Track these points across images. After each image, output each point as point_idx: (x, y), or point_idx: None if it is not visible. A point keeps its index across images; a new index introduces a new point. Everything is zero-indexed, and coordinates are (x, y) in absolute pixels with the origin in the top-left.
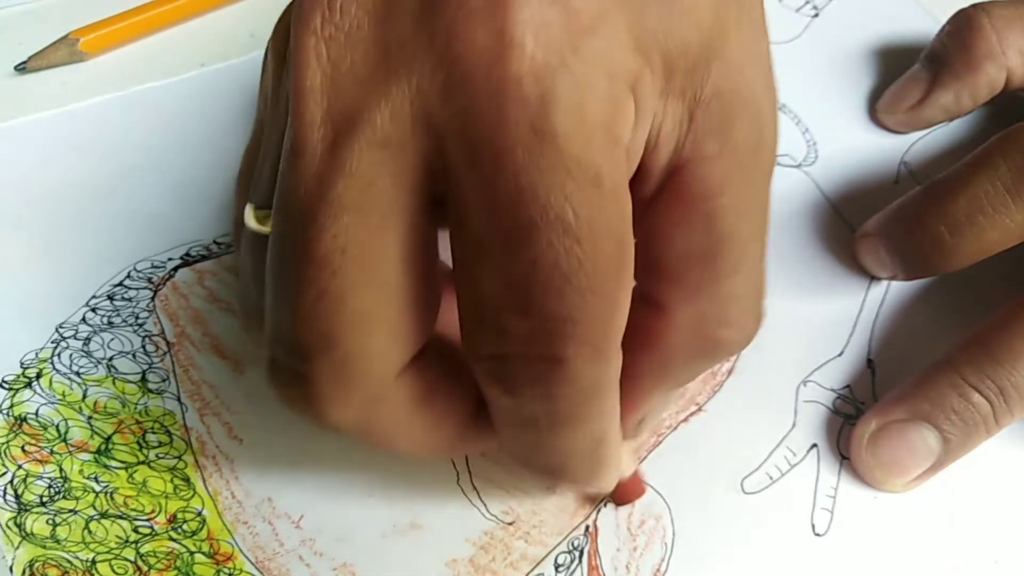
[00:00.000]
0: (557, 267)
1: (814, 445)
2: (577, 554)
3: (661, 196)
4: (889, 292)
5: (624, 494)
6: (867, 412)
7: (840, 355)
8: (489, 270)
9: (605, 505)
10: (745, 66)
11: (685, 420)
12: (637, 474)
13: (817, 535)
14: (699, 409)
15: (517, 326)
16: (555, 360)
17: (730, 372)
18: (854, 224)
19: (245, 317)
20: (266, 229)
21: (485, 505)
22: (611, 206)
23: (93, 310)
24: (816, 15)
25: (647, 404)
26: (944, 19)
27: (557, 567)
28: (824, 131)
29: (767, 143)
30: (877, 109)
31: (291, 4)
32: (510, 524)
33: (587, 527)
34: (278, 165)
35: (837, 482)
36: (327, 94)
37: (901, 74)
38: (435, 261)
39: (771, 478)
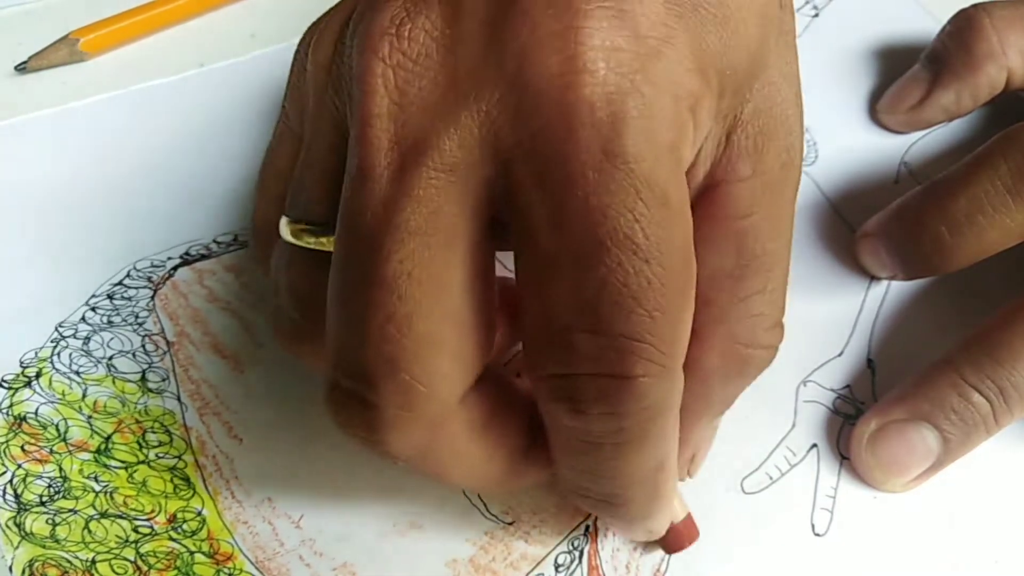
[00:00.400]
0: (627, 287)
1: (814, 445)
2: (577, 554)
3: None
4: (889, 292)
5: (677, 539)
6: (867, 412)
7: (840, 355)
8: (558, 289)
9: (662, 554)
10: (781, 86)
11: None
12: (690, 517)
13: (817, 535)
14: None
15: (586, 345)
16: (623, 378)
17: None
18: (854, 224)
19: (281, 335)
20: (304, 243)
21: (485, 505)
22: (678, 226)
23: (93, 309)
24: (816, 15)
25: (695, 434)
26: (944, 19)
27: (557, 567)
28: (824, 131)
29: (795, 162)
30: (877, 109)
31: (334, 11)
32: (510, 524)
33: (587, 527)
34: (322, 180)
35: (837, 482)
36: (394, 120)
37: (901, 74)
38: (493, 285)
39: (771, 478)
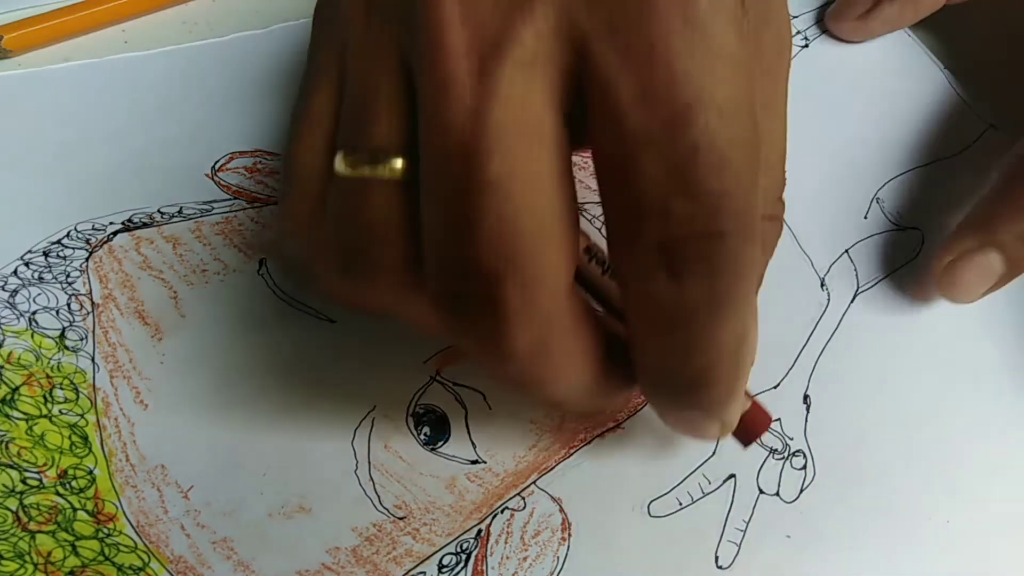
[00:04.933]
0: (714, 147)
1: (732, 476)
2: (464, 557)
3: None
4: (839, 329)
5: (753, 426)
6: (941, 246)
7: (776, 387)
8: (651, 159)
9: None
10: None
11: (601, 436)
12: (756, 403)
13: (720, 568)
14: (617, 426)
15: (681, 207)
16: (718, 235)
17: None
18: (813, 256)
19: (350, 276)
20: (365, 174)
21: (379, 497)
22: (749, 85)
23: (26, 264)
24: (806, 46)
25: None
26: (938, 55)
27: (441, 568)
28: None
29: (787, 47)
30: (826, 16)
31: None
32: (401, 519)
33: (479, 531)
34: (385, 106)
35: (750, 516)
36: (467, 24)
37: (890, 107)
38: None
39: (680, 504)
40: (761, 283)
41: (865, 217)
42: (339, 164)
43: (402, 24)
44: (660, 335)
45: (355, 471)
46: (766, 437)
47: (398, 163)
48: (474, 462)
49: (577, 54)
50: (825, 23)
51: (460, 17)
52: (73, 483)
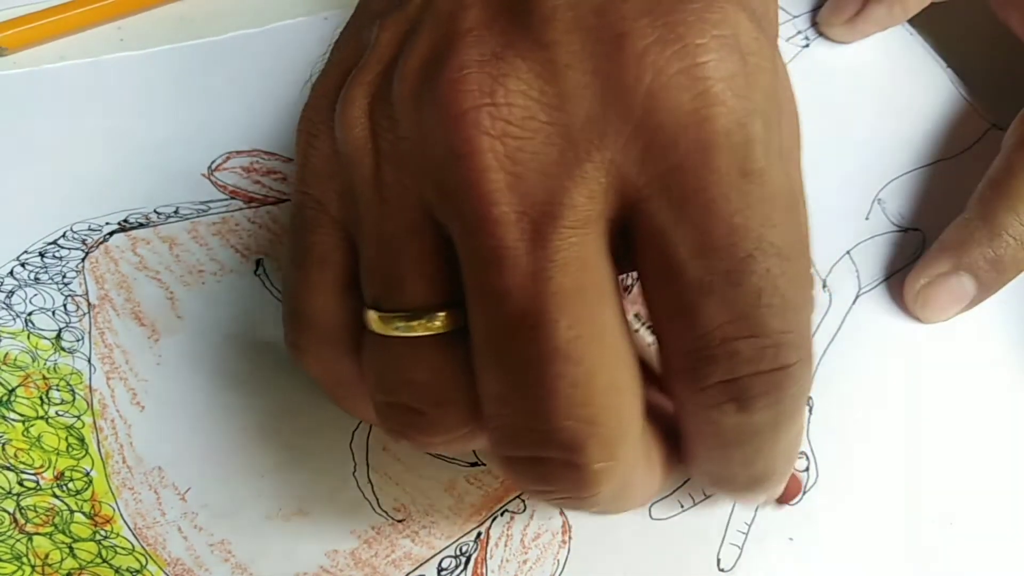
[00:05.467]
0: (777, 288)
1: None
2: (463, 560)
3: None
4: (841, 330)
5: (791, 491)
6: (914, 268)
7: None
8: (713, 307)
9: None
10: None
11: None
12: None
13: (721, 570)
14: None
15: (748, 349)
16: (784, 368)
17: None
18: (815, 259)
19: (407, 430)
20: (399, 333)
21: (377, 500)
22: (805, 221)
23: (23, 265)
24: (807, 46)
25: None
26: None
27: (440, 571)
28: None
29: (798, 125)
30: (817, 20)
31: (331, 73)
32: (400, 522)
33: (479, 533)
34: (414, 265)
35: (752, 519)
36: (515, 191)
37: (890, 106)
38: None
39: (682, 506)
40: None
41: (867, 218)
42: (374, 323)
43: (423, 177)
44: (723, 451)
45: (354, 473)
46: None
47: (440, 318)
48: (474, 464)
49: (628, 207)
50: (817, 25)
51: (507, 185)
52: (70, 485)
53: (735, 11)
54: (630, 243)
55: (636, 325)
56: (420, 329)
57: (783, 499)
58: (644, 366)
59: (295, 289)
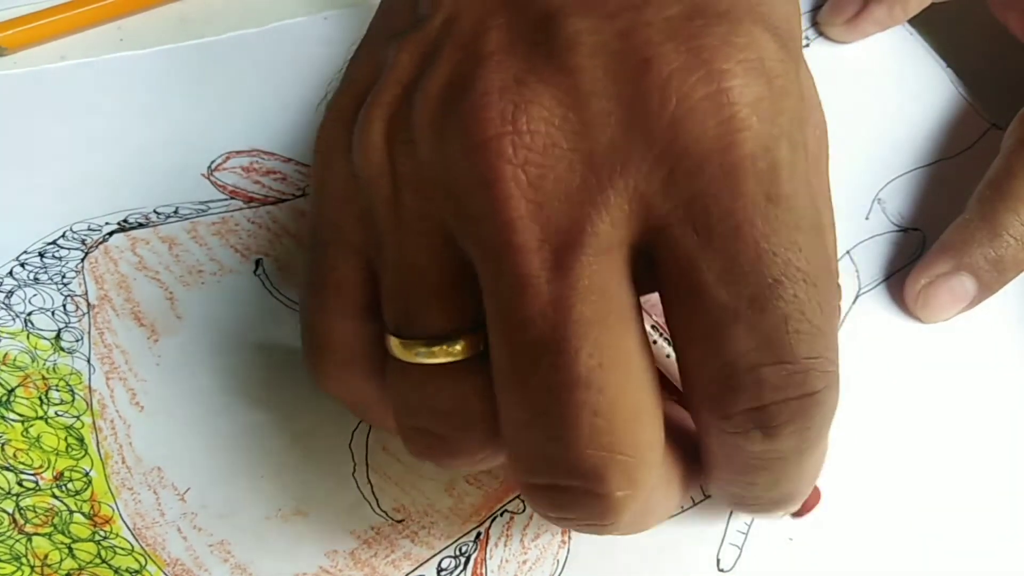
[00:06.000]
0: (804, 315)
1: None
2: (463, 560)
3: None
4: (841, 330)
5: (809, 504)
6: (915, 268)
7: None
8: (739, 334)
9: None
10: None
11: None
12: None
13: (721, 571)
14: None
15: (774, 376)
16: (811, 395)
17: None
18: None
19: (429, 453)
20: (421, 360)
21: (377, 500)
22: (832, 242)
23: (22, 265)
24: (807, 46)
25: None
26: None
27: (440, 571)
28: None
29: (825, 132)
30: (818, 20)
31: (346, 99)
32: (399, 522)
33: (479, 534)
34: (434, 292)
35: (752, 519)
36: (537, 219)
37: (890, 105)
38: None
39: (682, 507)
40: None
41: (867, 218)
42: (396, 350)
43: (442, 203)
44: (747, 476)
45: (353, 473)
46: None
47: (458, 346)
48: None
49: (651, 232)
50: (818, 25)
51: (529, 213)
52: (69, 485)
53: (760, 33)
54: (652, 266)
55: (654, 336)
56: (441, 356)
57: (800, 512)
58: (662, 379)
59: (313, 313)
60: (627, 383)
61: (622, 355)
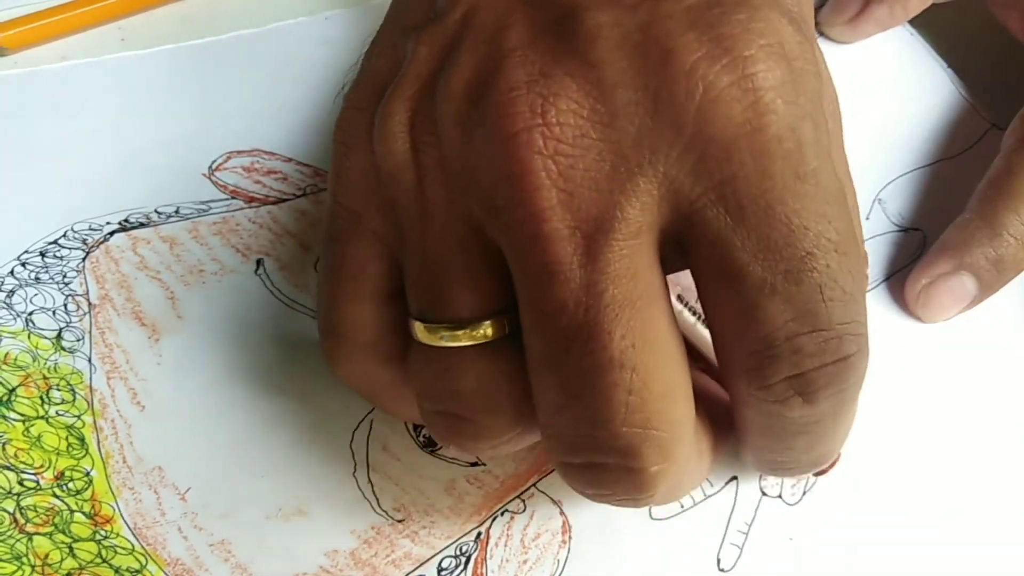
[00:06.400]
0: (836, 283)
1: (734, 477)
2: (463, 559)
3: None
4: None
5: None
6: (915, 268)
7: None
8: (776, 306)
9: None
10: None
11: None
12: None
13: (722, 570)
14: None
15: (811, 344)
16: (847, 359)
17: None
18: None
19: (457, 437)
20: (445, 343)
21: (377, 500)
22: (855, 210)
23: (23, 264)
24: None
25: None
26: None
27: (440, 570)
28: None
29: (837, 103)
30: (819, 21)
31: (367, 89)
32: (400, 522)
33: (479, 533)
34: (460, 278)
35: (752, 518)
36: (567, 208)
37: (887, 110)
38: None
39: (682, 506)
40: None
41: (867, 218)
42: (422, 335)
43: (469, 193)
44: (784, 441)
45: (353, 473)
46: None
47: (484, 329)
48: (473, 464)
49: (680, 217)
50: (818, 26)
51: (560, 202)
52: (70, 485)
53: (778, 18)
54: (679, 247)
55: (679, 307)
56: (466, 339)
57: (825, 470)
58: (688, 348)
59: (330, 301)
60: (659, 362)
61: (653, 335)
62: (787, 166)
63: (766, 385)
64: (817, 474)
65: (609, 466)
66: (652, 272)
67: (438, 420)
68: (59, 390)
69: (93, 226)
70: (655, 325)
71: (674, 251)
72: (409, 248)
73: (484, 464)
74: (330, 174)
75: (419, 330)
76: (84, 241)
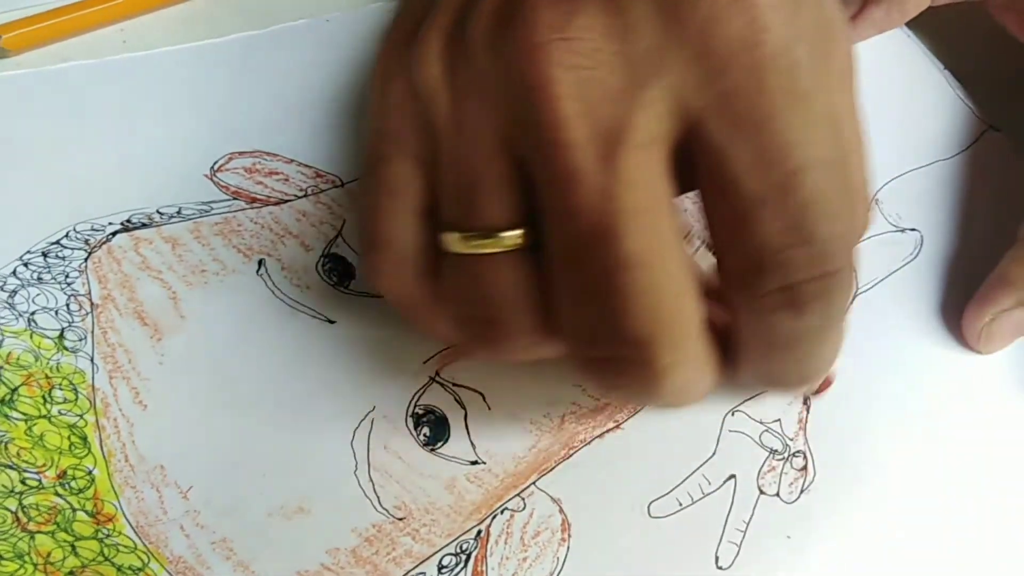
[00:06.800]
0: (826, 197)
1: (732, 476)
2: (464, 557)
3: None
4: None
5: (824, 382)
6: (974, 302)
7: None
8: (768, 219)
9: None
10: None
11: (600, 436)
12: None
13: (720, 568)
14: (617, 427)
15: (801, 256)
16: (835, 273)
17: None
18: None
19: (483, 342)
20: (478, 250)
21: (378, 498)
22: (855, 140)
23: (25, 265)
24: None
25: None
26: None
27: (441, 568)
28: None
29: (852, 60)
30: None
31: (404, 22)
32: (400, 520)
33: (479, 531)
34: (492, 188)
35: (750, 517)
36: (585, 118)
37: (884, 112)
38: None
39: (680, 504)
40: None
41: None
42: (453, 243)
43: (501, 110)
44: (775, 353)
45: (355, 472)
46: (766, 437)
47: (515, 235)
48: (474, 463)
49: (687, 129)
50: None
51: (577, 112)
52: (72, 483)
53: None
54: (690, 164)
55: (697, 243)
56: (496, 246)
57: (819, 391)
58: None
59: (372, 216)
60: (669, 263)
61: (663, 239)
62: (781, 83)
63: (757, 295)
64: (812, 395)
65: (623, 358)
66: (663, 182)
67: (468, 324)
68: (61, 389)
69: (95, 226)
70: (666, 230)
71: (685, 169)
72: (444, 163)
73: (485, 463)
74: (371, 105)
75: (453, 240)
76: (86, 241)
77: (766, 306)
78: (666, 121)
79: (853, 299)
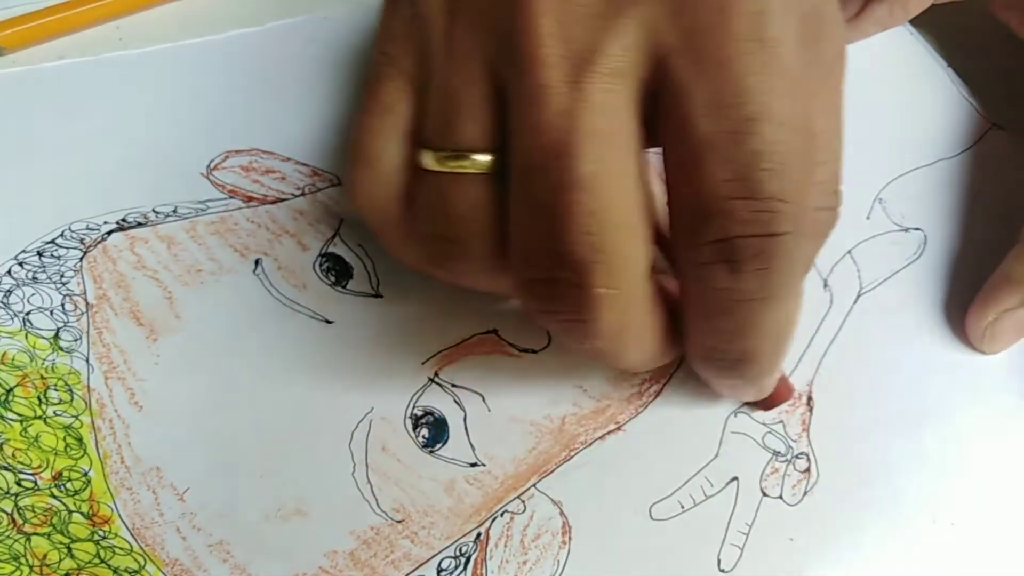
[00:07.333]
0: (775, 154)
1: (734, 478)
2: (463, 560)
3: None
4: (842, 330)
5: (779, 394)
6: (979, 302)
7: None
8: (716, 164)
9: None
10: None
11: (602, 438)
12: (784, 376)
13: (722, 571)
14: (618, 428)
15: (742, 210)
16: (775, 235)
17: (657, 394)
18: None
19: (440, 260)
20: (451, 169)
21: (376, 500)
22: (806, 98)
23: (20, 264)
24: None
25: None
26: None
27: (440, 571)
28: None
29: (841, 53)
30: None
31: None
32: (399, 522)
33: (479, 534)
34: (471, 107)
35: (753, 519)
36: (561, 37)
37: (888, 110)
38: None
39: (683, 507)
40: (809, 269)
41: (868, 218)
42: (428, 161)
43: (489, 33)
44: (713, 319)
45: (353, 473)
46: (769, 439)
47: (486, 159)
48: (473, 465)
49: (656, 66)
50: None
51: (553, 32)
52: (68, 485)
53: None
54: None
55: None
56: (467, 167)
57: (771, 402)
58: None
59: (361, 132)
60: (620, 195)
61: (619, 171)
62: (746, 27)
63: (696, 244)
64: (767, 405)
65: (560, 280)
66: (629, 115)
67: (430, 242)
68: (57, 390)
69: (91, 225)
70: (624, 163)
71: (655, 113)
72: (433, 85)
73: (484, 465)
74: (378, 32)
75: (428, 157)
76: (81, 240)
77: (702, 258)
78: (636, 53)
79: (848, 312)
